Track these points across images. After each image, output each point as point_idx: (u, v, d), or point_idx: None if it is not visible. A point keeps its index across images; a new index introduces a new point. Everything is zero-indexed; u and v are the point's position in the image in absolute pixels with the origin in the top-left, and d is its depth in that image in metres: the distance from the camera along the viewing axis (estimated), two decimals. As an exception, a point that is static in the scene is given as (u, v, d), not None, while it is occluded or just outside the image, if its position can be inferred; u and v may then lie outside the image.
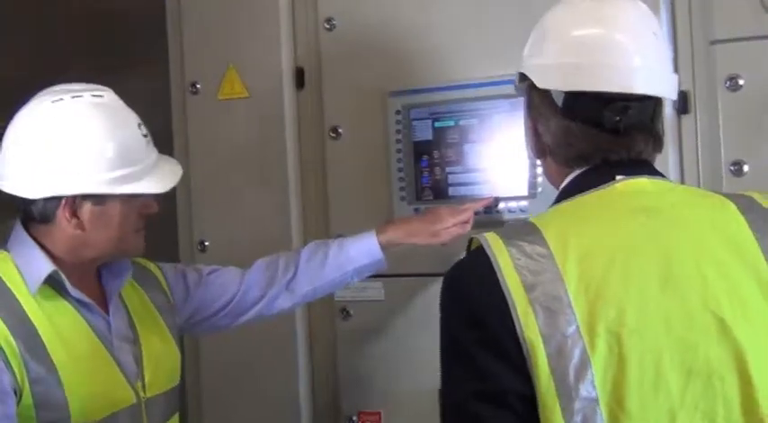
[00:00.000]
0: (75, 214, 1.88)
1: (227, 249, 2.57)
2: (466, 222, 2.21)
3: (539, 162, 1.68)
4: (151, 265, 2.17)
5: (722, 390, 1.31)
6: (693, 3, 2.15)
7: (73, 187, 1.86)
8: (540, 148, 1.59)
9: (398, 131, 2.38)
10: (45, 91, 1.93)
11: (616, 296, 1.32)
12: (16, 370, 1.77)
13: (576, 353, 1.29)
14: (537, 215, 1.48)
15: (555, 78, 1.52)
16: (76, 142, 1.86)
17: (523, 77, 1.59)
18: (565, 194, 1.52)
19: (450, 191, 2.34)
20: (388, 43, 2.41)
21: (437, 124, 2.35)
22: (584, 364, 1.28)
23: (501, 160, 2.28)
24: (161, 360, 2.03)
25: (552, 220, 1.44)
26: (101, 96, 1.93)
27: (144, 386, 1.96)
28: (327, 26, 2.48)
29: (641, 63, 1.49)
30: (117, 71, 3.16)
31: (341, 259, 2.20)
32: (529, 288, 1.32)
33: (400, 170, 2.38)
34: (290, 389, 2.51)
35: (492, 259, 1.36)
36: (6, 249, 1.92)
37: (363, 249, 2.20)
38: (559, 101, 1.51)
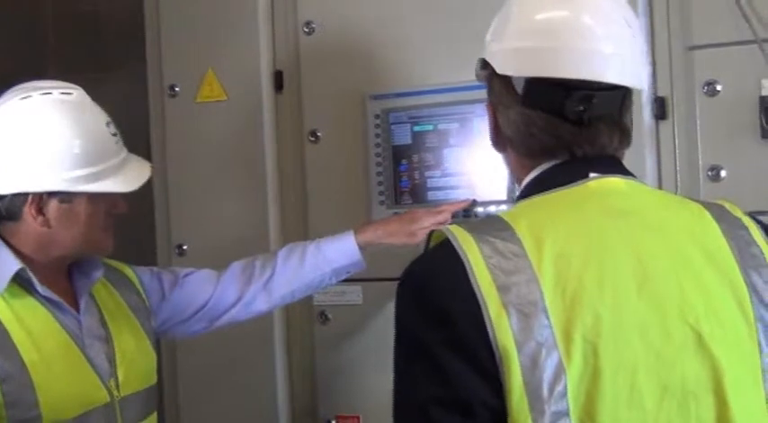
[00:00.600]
0: (41, 211, 1.88)
1: (205, 253, 2.56)
2: (443, 223, 2.21)
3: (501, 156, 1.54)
4: (126, 269, 2.17)
5: (696, 411, 1.25)
6: (672, 8, 2.16)
7: (38, 184, 1.86)
8: (500, 139, 1.48)
9: (377, 135, 2.38)
10: (15, 88, 1.94)
11: (592, 301, 1.23)
12: None
13: (551, 363, 1.20)
14: (504, 211, 1.39)
15: (515, 63, 1.41)
16: (42, 139, 1.86)
17: (485, 64, 1.48)
18: (531, 190, 1.41)
19: (429, 195, 2.34)
20: (368, 47, 2.41)
21: (416, 128, 2.35)
22: (559, 375, 1.20)
23: (480, 164, 2.28)
24: (135, 359, 2.02)
25: (522, 215, 1.33)
26: (69, 93, 1.93)
27: (117, 385, 1.95)
28: (306, 30, 2.48)
29: (612, 49, 1.38)
30: (95, 73, 3.16)
31: (318, 260, 2.19)
32: (502, 289, 1.22)
33: (379, 174, 2.37)
34: (268, 392, 2.51)
35: (461, 256, 1.25)
36: None
37: (341, 250, 2.19)
38: (520, 88, 1.40)
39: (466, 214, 2.27)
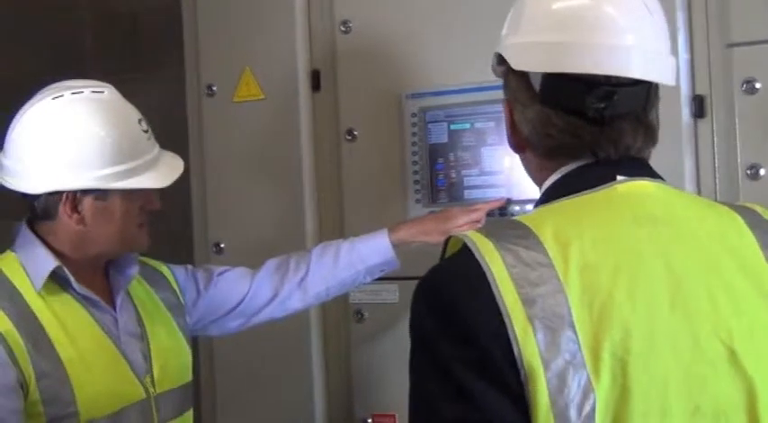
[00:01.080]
0: (76, 209, 1.90)
1: (242, 251, 2.57)
2: (477, 221, 2.20)
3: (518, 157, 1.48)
4: (162, 268, 2.18)
5: None
6: (710, 5, 2.14)
7: (72, 182, 1.88)
8: (517, 140, 1.41)
9: (414, 134, 2.38)
10: (47, 88, 1.96)
11: (622, 315, 1.15)
12: (22, 366, 1.78)
13: (579, 382, 1.12)
14: (524, 214, 1.30)
15: (531, 59, 1.33)
16: (75, 137, 1.88)
17: (502, 60, 1.40)
18: (553, 193, 1.33)
19: (466, 194, 2.33)
20: (404, 45, 2.41)
21: (453, 127, 2.34)
22: (587, 395, 1.12)
23: (516, 163, 2.27)
24: (170, 356, 2.04)
25: (546, 221, 1.24)
26: (101, 92, 1.95)
27: (153, 382, 1.97)
28: (343, 29, 2.48)
29: (633, 41, 1.29)
30: (133, 73, 3.19)
31: (352, 258, 2.20)
32: (527, 302, 1.14)
33: (415, 173, 2.37)
34: (305, 391, 2.51)
35: (483, 266, 1.17)
36: (13, 250, 1.94)
37: (374, 248, 2.20)
38: (537, 85, 1.32)
39: (502, 213, 2.26)
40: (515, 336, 1.12)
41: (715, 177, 2.15)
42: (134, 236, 1.98)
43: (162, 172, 1.98)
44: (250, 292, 2.20)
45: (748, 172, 2.11)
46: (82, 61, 3.32)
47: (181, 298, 2.16)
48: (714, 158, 2.15)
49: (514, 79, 1.37)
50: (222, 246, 2.61)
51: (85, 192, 1.90)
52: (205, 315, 2.21)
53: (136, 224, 1.98)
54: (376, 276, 2.24)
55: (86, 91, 1.93)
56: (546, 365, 1.12)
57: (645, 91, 1.32)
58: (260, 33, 2.57)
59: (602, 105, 1.28)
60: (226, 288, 2.21)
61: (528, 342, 1.12)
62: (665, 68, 1.35)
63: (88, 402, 1.84)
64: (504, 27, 1.42)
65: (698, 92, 2.14)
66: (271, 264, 2.24)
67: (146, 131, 1.98)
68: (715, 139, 2.15)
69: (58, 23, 3.35)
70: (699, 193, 2.11)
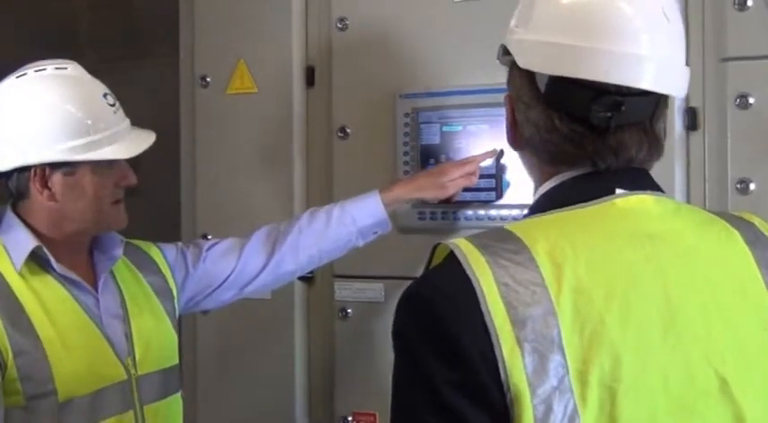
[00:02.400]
0: (46, 185, 1.92)
1: (229, 244, 2.57)
2: (472, 174, 2.21)
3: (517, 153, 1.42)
4: (152, 249, 2.19)
5: None
6: (707, 19, 2.14)
7: (35, 156, 1.90)
8: (517, 139, 1.36)
9: (406, 134, 2.38)
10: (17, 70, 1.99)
11: (612, 340, 1.12)
12: (0, 343, 1.79)
13: (565, 408, 1.09)
14: (516, 223, 1.25)
15: (539, 59, 1.28)
16: (36, 112, 1.91)
17: (508, 51, 1.34)
18: (548, 201, 1.29)
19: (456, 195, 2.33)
20: (400, 45, 2.41)
21: (445, 128, 2.34)
22: (572, 421, 1.09)
23: (508, 167, 2.27)
24: (153, 338, 2.05)
25: (539, 235, 1.19)
26: (64, 68, 1.97)
27: (135, 363, 1.98)
28: (340, 26, 2.48)
29: (648, 50, 1.24)
30: (129, 60, 3.18)
31: (344, 219, 2.20)
32: (517, 323, 1.10)
33: (406, 173, 2.37)
34: (286, 385, 2.51)
35: (473, 281, 1.13)
36: None
37: (366, 209, 2.20)
38: (542, 86, 1.27)
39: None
40: (503, 358, 1.09)
41: (704, 190, 2.15)
42: (109, 213, 1.98)
43: (129, 144, 1.98)
44: (239, 264, 2.20)
45: (738, 186, 2.11)
46: (78, 48, 3.31)
47: (170, 281, 2.16)
48: (704, 171, 2.16)
49: (519, 75, 1.32)
50: (209, 237, 2.61)
51: (54, 167, 1.91)
52: (197, 292, 2.21)
53: (110, 200, 1.98)
54: (369, 239, 2.23)
55: (49, 68, 1.96)
56: (533, 390, 1.09)
57: (654, 101, 1.27)
58: (256, 26, 2.57)
59: (609, 114, 1.23)
60: (215, 261, 2.20)
61: (515, 365, 1.09)
62: (677, 80, 1.31)
63: (66, 381, 1.85)
64: (513, 17, 1.37)
65: (691, 104, 2.15)
66: (261, 232, 2.23)
67: (112, 105, 1.98)
68: (706, 152, 2.16)
69: (54, 10, 3.34)
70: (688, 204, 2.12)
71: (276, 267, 2.20)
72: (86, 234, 2.01)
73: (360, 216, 2.20)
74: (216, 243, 2.24)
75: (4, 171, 1.92)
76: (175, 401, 2.10)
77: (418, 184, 2.22)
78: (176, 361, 2.12)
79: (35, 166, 1.90)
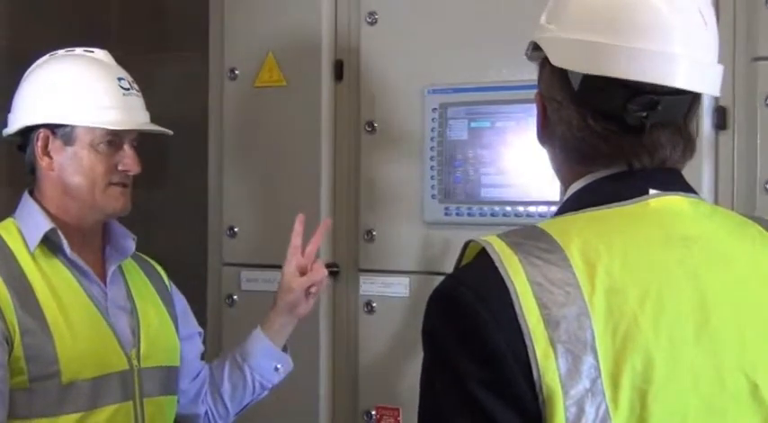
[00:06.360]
0: (47, 153, 1.97)
1: (255, 236, 2.58)
2: (304, 269, 2.20)
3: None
4: (159, 268, 2.23)
5: None
6: (739, 19, 2.13)
7: (35, 117, 1.97)
8: (548, 136, 1.34)
9: (433, 129, 2.37)
10: None
11: (645, 341, 1.11)
12: (8, 320, 1.84)
13: (597, 410, 1.09)
14: (549, 221, 1.25)
15: (572, 57, 1.26)
16: (47, 80, 2.00)
17: (539, 47, 1.33)
18: (580, 200, 1.28)
19: (483, 192, 2.33)
20: (429, 40, 2.40)
21: (473, 124, 2.34)
22: None
23: (535, 164, 2.27)
24: (158, 335, 2.08)
25: (573, 234, 1.18)
26: (91, 52, 2.06)
27: (139, 356, 2.01)
28: (369, 20, 2.48)
29: (684, 49, 1.23)
30: (158, 53, 3.19)
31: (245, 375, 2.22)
32: (550, 324, 1.10)
33: (432, 168, 2.37)
34: (310, 378, 2.52)
35: (506, 280, 1.12)
36: (13, 216, 2.01)
37: (265, 354, 2.21)
38: (576, 84, 1.26)
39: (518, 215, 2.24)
40: (536, 359, 1.09)
41: (733, 190, 2.14)
42: (106, 193, 1.99)
43: (123, 119, 2.00)
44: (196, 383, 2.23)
45: (767, 186, 2.10)
46: (107, 39, 3.32)
47: (171, 299, 2.20)
48: (733, 171, 2.15)
49: (551, 73, 1.31)
50: (236, 230, 2.62)
51: (54, 131, 1.96)
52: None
53: (106, 181, 1.99)
54: (275, 380, 2.25)
55: (79, 50, 2.05)
56: (565, 392, 1.08)
57: (688, 100, 1.27)
58: (285, 20, 2.57)
59: (644, 114, 1.22)
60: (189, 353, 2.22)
61: (549, 367, 1.09)
62: (712, 79, 1.29)
63: (70, 363, 1.88)
64: (543, 13, 1.36)
65: (720, 103, 2.13)
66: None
67: (126, 89, 2.02)
68: (735, 151, 2.15)
69: (83, 2, 3.35)
70: (716, 204, 2.11)
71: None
72: (90, 218, 2.01)
73: (255, 364, 2.21)
74: (197, 351, 2.27)
75: (19, 139, 2.02)
76: (172, 402, 2.12)
77: (279, 307, 2.20)
78: (177, 363, 2.14)
79: (37, 128, 1.97)
